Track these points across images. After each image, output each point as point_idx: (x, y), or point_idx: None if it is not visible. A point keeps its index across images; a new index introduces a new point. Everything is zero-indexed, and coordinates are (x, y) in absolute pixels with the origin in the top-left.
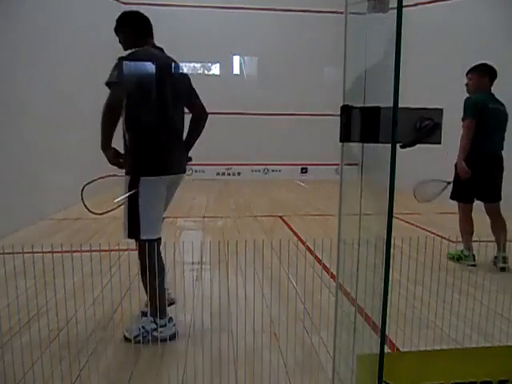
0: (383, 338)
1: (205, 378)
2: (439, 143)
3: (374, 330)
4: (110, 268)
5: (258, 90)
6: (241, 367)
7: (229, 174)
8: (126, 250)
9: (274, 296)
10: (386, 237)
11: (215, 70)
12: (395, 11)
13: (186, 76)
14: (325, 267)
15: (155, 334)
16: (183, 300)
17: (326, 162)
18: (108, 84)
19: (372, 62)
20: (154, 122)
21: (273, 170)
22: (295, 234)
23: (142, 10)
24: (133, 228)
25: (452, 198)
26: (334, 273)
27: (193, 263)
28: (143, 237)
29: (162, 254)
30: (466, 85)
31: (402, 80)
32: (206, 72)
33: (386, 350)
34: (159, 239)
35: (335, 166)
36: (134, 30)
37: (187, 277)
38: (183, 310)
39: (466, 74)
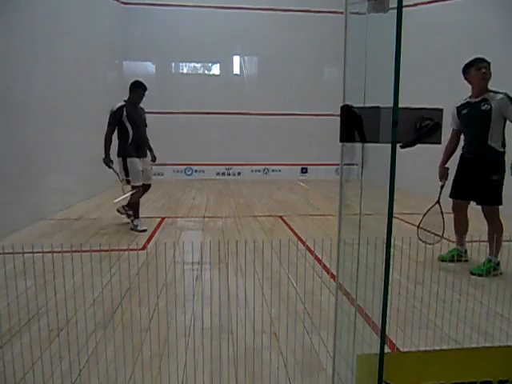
0: (383, 338)
1: (205, 378)
2: (439, 143)
3: (374, 329)
4: (109, 268)
5: (258, 90)
6: (241, 367)
7: (229, 174)
8: (126, 250)
9: (274, 296)
10: (386, 237)
11: (215, 70)
12: (395, 11)
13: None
14: (325, 267)
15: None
16: (183, 300)
17: (326, 162)
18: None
19: (372, 62)
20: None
21: (273, 170)
22: (295, 233)
23: (143, 10)
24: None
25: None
26: (334, 273)
27: (193, 263)
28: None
29: (163, 254)
30: (484, 73)
31: (401, 80)
32: (206, 72)
33: (386, 350)
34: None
35: (335, 166)
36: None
37: (187, 277)
38: (183, 310)
39: (478, 63)
